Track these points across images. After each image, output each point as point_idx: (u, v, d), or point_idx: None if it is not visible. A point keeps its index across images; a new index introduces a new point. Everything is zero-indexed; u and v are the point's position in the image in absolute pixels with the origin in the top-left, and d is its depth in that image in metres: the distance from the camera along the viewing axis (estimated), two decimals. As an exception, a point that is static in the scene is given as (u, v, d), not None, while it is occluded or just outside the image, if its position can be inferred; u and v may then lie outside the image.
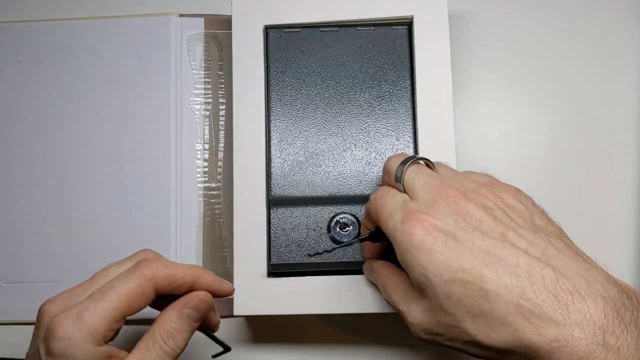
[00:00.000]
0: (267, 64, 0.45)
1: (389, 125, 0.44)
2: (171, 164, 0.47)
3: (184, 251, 0.47)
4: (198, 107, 0.49)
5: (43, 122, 0.48)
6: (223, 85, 0.49)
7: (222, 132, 0.49)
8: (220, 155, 0.49)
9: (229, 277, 0.43)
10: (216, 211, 0.48)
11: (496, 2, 0.53)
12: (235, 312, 0.41)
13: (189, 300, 0.34)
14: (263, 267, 0.42)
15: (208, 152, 0.49)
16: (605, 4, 0.52)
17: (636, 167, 0.49)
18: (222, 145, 0.49)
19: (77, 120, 0.48)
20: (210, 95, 0.49)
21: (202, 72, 0.49)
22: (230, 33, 0.45)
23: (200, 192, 0.48)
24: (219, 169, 0.49)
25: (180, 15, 0.49)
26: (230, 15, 0.45)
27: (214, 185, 0.48)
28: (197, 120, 0.48)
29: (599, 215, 0.47)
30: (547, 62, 0.52)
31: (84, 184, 0.47)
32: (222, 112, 0.49)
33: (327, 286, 0.42)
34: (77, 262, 0.46)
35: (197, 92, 0.49)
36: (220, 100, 0.49)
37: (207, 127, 0.49)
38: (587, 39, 0.52)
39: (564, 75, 0.51)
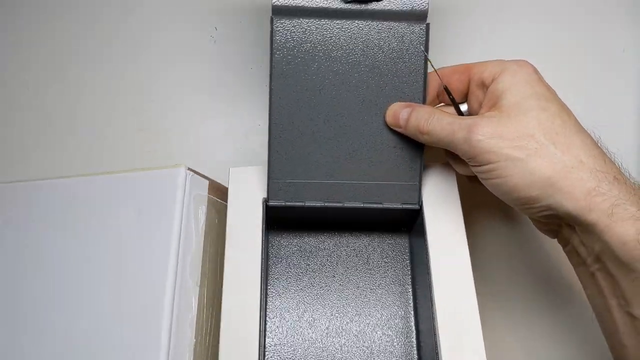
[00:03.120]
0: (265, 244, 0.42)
1: None
2: (162, 340, 0.38)
3: None
4: (193, 277, 0.41)
5: (27, 285, 0.42)
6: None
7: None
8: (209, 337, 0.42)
9: None
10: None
11: (496, 2, 0.53)
12: None
13: None
14: None
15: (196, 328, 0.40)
16: (605, 4, 0.52)
17: (636, 167, 0.49)
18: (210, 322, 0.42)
19: (67, 279, 0.42)
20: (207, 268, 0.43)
21: (202, 238, 0.42)
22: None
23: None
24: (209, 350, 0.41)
25: (189, 169, 0.42)
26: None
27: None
28: (194, 293, 0.41)
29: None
30: (547, 62, 0.51)
31: (74, 341, 0.40)
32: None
33: None
34: None
35: (195, 259, 0.41)
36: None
37: (197, 300, 0.40)
38: (587, 39, 0.52)
39: (564, 75, 0.51)
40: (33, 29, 0.55)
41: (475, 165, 0.36)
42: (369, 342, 0.42)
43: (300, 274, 0.44)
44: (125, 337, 0.38)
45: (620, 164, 0.36)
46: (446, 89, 0.40)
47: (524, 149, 0.34)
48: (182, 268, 0.39)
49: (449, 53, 0.50)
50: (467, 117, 0.37)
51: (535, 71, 0.37)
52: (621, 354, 0.36)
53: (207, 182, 0.43)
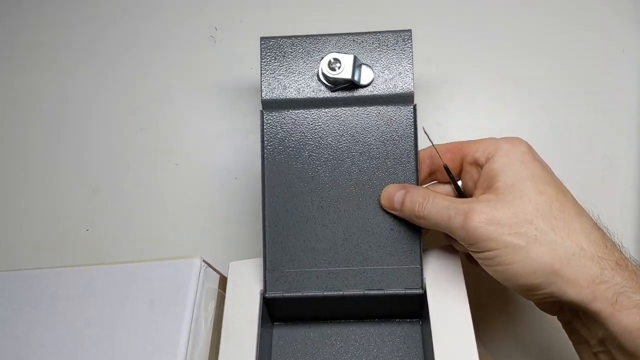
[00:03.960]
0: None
1: None
2: None
3: None
4: None
5: None
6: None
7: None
8: None
9: None
10: None
11: (496, 2, 0.53)
12: None
13: None
14: None
15: None
16: (605, 4, 0.52)
17: (636, 167, 0.49)
18: None
19: None
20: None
21: (210, 333, 0.41)
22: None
23: None
24: None
25: (203, 261, 0.42)
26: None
27: None
28: None
29: (599, 215, 0.47)
30: (547, 62, 0.52)
31: None
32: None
33: None
34: None
35: (201, 355, 0.41)
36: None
37: None
38: (587, 39, 0.52)
39: (564, 75, 0.51)
40: (32, 30, 0.55)
41: (474, 252, 0.35)
42: None
43: None
44: None
45: (620, 244, 0.35)
46: (446, 168, 0.39)
47: (523, 235, 0.33)
48: None
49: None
50: (463, 200, 0.36)
51: (529, 149, 0.37)
52: None
53: (218, 276, 0.43)
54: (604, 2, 0.52)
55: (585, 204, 0.36)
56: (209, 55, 0.53)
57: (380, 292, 0.39)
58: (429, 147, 0.40)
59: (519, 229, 0.34)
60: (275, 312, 0.42)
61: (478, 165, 0.38)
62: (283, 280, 0.40)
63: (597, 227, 0.35)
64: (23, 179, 0.52)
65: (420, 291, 0.39)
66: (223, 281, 0.43)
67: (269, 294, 0.40)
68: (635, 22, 0.52)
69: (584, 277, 0.33)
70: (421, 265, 0.40)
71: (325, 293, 0.40)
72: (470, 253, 0.36)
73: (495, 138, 0.38)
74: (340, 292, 0.40)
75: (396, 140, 0.40)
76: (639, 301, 0.32)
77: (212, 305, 0.42)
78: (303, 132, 0.40)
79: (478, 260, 0.36)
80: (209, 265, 0.42)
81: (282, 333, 0.43)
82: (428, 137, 0.39)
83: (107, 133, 0.51)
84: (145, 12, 0.55)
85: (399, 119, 0.39)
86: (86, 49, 0.54)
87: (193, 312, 0.40)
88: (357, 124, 0.40)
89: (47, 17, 0.56)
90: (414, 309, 0.42)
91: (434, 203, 0.37)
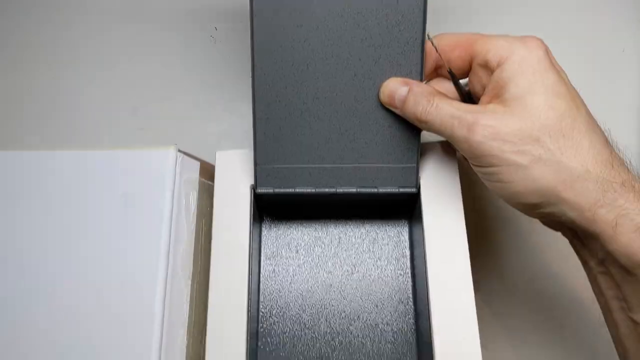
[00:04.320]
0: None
1: None
2: (153, 344, 0.35)
3: None
4: (185, 272, 0.39)
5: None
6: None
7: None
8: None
9: None
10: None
11: (496, 2, 0.53)
12: None
13: None
14: None
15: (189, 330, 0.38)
16: (605, 4, 0.52)
17: (636, 167, 0.49)
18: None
19: (45, 264, 0.37)
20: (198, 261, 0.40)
21: (193, 227, 0.39)
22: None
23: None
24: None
25: (180, 152, 0.39)
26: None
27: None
28: (186, 289, 0.38)
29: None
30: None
31: (55, 343, 0.36)
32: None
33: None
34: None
35: (186, 251, 0.39)
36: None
37: (189, 297, 0.38)
38: (587, 39, 0.52)
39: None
40: (32, 30, 0.56)
41: (475, 165, 0.35)
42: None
43: (294, 267, 0.42)
44: (112, 339, 0.35)
45: (629, 161, 0.34)
46: (451, 73, 0.37)
47: (527, 154, 0.32)
48: (174, 261, 0.37)
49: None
50: (468, 108, 0.34)
51: (546, 55, 0.34)
52: (623, 355, 0.36)
53: (198, 163, 0.40)
54: (604, 2, 0.52)
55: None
56: (209, 55, 0.54)
57: (374, 190, 0.38)
58: (436, 35, 0.37)
59: (524, 146, 0.32)
60: (266, 208, 0.41)
61: (488, 68, 0.35)
62: (274, 176, 0.38)
63: (607, 144, 0.34)
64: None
65: (414, 190, 0.38)
66: (205, 169, 0.41)
67: (259, 190, 0.38)
68: (635, 22, 0.52)
69: (585, 200, 0.32)
70: (417, 164, 0.38)
71: (317, 190, 0.38)
72: (471, 165, 0.35)
73: (510, 38, 0.35)
74: (333, 189, 0.38)
75: (402, 26, 0.36)
76: None
77: (193, 197, 0.39)
78: (298, 14, 0.36)
79: (478, 174, 0.35)
80: (187, 154, 0.39)
81: (272, 230, 0.42)
82: (433, 43, 0.36)
83: (107, 133, 0.52)
84: (145, 12, 0.55)
85: (407, 2, 0.35)
86: (86, 48, 0.55)
87: (172, 207, 0.37)
88: (359, 6, 0.36)
89: (46, 17, 0.56)
90: (404, 209, 0.41)
91: (438, 108, 0.34)
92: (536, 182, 0.32)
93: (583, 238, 0.35)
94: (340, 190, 0.38)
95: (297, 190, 0.38)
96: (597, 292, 0.36)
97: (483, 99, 0.35)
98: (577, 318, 0.45)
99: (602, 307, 0.37)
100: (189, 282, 0.38)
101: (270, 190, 0.38)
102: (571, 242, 0.36)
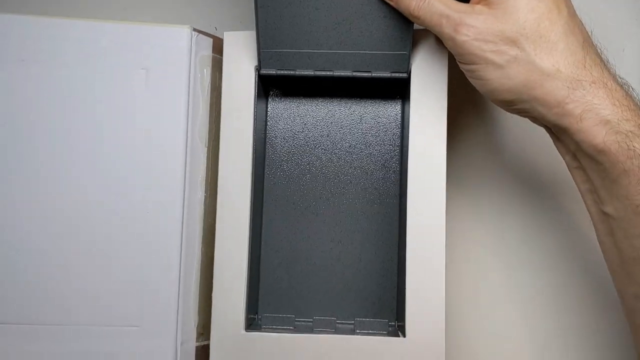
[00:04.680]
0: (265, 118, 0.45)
1: None
2: (176, 200, 0.41)
3: (186, 291, 0.42)
4: (202, 139, 0.44)
5: (29, 135, 0.41)
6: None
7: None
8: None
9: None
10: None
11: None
12: None
13: None
14: (241, 320, 0.41)
15: (205, 188, 0.44)
16: (605, 4, 0.52)
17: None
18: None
19: (70, 134, 0.41)
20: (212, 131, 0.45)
21: (208, 101, 0.44)
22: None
23: (199, 230, 0.43)
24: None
25: (194, 30, 0.42)
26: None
27: (211, 221, 0.44)
28: (202, 154, 0.43)
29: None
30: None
31: (77, 212, 0.41)
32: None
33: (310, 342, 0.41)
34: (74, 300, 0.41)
35: (202, 121, 0.43)
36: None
37: (205, 160, 0.44)
38: (586, 39, 0.54)
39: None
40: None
41: (460, 62, 0.38)
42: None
43: (298, 144, 0.46)
44: (143, 195, 0.41)
45: (607, 59, 0.37)
46: None
47: (504, 54, 0.35)
48: (192, 130, 0.42)
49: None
50: (457, 7, 0.37)
51: None
52: (602, 249, 0.38)
53: (210, 40, 0.43)
54: (604, 2, 0.52)
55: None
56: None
57: (368, 74, 0.42)
58: None
59: (502, 47, 0.35)
60: (270, 86, 0.45)
61: None
62: (277, 59, 0.42)
63: (584, 45, 0.36)
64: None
65: (404, 75, 0.42)
66: (217, 46, 0.44)
67: (263, 71, 0.42)
68: (635, 22, 0.52)
69: (554, 97, 0.35)
70: (410, 51, 0.41)
71: (316, 72, 0.42)
72: (457, 62, 0.38)
73: None
74: (331, 72, 0.42)
75: None
76: (606, 116, 0.34)
77: (207, 72, 0.43)
78: None
79: (462, 70, 0.38)
80: (201, 32, 0.43)
81: (276, 105, 0.46)
82: None
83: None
84: (145, 12, 0.54)
85: None
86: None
87: (189, 81, 0.42)
88: None
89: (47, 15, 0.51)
90: (397, 91, 0.45)
91: (430, 5, 0.37)
92: (510, 80, 0.36)
93: (556, 133, 0.37)
94: (336, 73, 0.42)
95: (298, 72, 0.42)
96: (578, 189, 0.39)
97: None
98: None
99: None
100: (205, 148, 0.43)
101: (273, 72, 0.42)
102: (552, 138, 0.39)
